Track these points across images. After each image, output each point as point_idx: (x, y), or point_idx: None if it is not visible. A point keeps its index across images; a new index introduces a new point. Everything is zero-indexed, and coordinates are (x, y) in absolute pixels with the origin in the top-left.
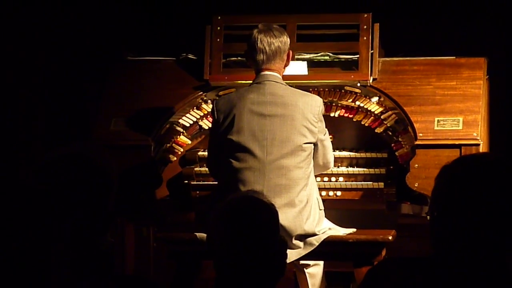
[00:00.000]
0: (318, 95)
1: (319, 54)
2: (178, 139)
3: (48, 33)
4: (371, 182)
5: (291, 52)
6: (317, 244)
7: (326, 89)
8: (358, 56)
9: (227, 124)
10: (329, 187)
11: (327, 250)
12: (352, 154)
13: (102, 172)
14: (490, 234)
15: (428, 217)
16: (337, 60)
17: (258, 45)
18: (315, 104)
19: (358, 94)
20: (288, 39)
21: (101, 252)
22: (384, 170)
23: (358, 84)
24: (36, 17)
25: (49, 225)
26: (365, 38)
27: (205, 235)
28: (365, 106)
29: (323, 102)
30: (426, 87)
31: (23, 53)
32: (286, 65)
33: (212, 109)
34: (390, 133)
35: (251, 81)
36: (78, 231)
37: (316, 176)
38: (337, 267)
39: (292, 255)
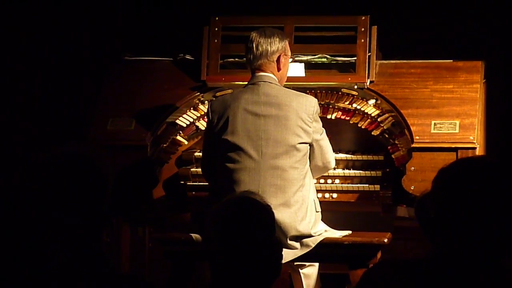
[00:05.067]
0: (315, 97)
1: (316, 56)
2: (174, 140)
3: (45, 33)
4: (367, 185)
5: (282, 57)
6: (313, 245)
7: (323, 91)
8: (355, 58)
9: (221, 125)
10: (325, 189)
11: (323, 252)
12: (349, 156)
13: (97, 172)
14: (486, 236)
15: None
16: (334, 62)
17: (249, 44)
18: (309, 104)
19: (355, 97)
20: (281, 43)
21: (96, 251)
22: (380, 173)
23: (355, 87)
24: (32, 17)
25: (44, 225)
26: (362, 40)
27: (200, 235)
28: (362, 109)
29: (320, 104)
30: (423, 90)
31: (20, 53)
32: (279, 69)
33: (207, 110)
34: (387, 136)
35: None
36: (73, 231)
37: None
38: (332, 269)
39: (288, 255)
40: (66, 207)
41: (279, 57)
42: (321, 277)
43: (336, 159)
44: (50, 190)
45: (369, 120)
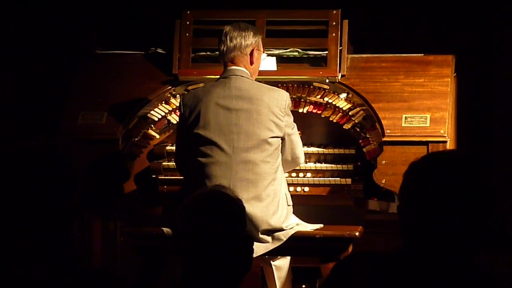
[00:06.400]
0: (287, 91)
1: (288, 50)
2: (146, 133)
3: (15, 27)
4: (338, 178)
5: (255, 51)
6: (285, 239)
7: (295, 85)
8: (327, 52)
9: (193, 119)
10: (296, 182)
11: (294, 245)
12: (320, 150)
13: (67, 165)
14: (457, 231)
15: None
16: (306, 56)
17: (222, 38)
18: (281, 98)
19: (327, 90)
20: (255, 37)
21: (66, 246)
22: (351, 166)
23: (327, 80)
24: (2, 10)
25: (12, 219)
26: (334, 34)
27: (171, 230)
28: (334, 102)
29: (292, 98)
30: (394, 84)
31: None
32: (252, 63)
33: (179, 104)
34: (358, 130)
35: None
36: (42, 225)
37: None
38: (304, 263)
39: (259, 249)
40: (35, 200)
41: (252, 51)
42: (293, 270)
43: (307, 153)
44: (18, 184)
45: (340, 114)
